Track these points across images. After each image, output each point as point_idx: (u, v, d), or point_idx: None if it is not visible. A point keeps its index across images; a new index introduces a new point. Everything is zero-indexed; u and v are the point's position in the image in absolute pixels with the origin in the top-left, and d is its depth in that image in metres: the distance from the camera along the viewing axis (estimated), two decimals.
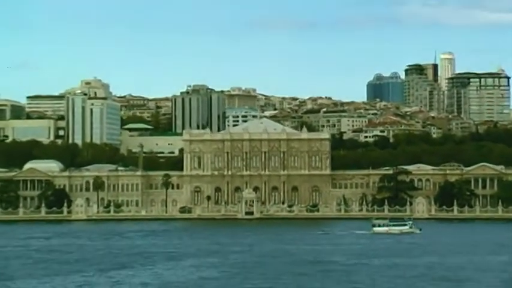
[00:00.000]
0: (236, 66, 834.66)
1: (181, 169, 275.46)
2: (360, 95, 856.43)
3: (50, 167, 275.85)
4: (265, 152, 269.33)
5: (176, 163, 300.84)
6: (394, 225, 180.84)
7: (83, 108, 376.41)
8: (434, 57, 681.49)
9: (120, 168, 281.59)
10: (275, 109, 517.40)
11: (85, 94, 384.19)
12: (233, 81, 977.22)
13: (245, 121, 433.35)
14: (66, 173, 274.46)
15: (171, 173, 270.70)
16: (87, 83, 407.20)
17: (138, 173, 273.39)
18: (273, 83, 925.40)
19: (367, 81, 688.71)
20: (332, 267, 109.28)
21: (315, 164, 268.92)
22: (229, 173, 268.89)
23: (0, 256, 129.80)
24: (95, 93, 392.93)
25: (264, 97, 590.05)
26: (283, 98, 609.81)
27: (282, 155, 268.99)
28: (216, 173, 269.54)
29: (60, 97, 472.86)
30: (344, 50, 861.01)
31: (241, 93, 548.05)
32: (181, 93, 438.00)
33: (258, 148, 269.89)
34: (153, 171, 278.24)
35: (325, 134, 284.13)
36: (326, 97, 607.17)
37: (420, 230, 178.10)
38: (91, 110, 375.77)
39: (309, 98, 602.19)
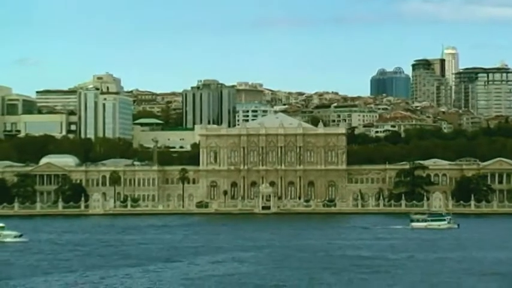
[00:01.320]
0: (241, 62, 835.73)
1: (194, 164, 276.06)
2: (363, 90, 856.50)
3: (66, 161, 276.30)
4: (281, 147, 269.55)
5: (189, 158, 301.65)
6: (432, 221, 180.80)
7: (96, 103, 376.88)
8: (440, 52, 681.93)
9: (136, 163, 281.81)
10: (284, 104, 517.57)
11: (97, 89, 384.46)
12: (239, 76, 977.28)
13: (255, 116, 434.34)
14: (83, 168, 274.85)
15: (187, 167, 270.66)
16: (99, 78, 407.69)
17: (155, 167, 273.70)
18: (278, 78, 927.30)
19: (370, 77, 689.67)
20: (377, 263, 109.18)
21: (331, 158, 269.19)
22: (246, 167, 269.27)
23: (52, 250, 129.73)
24: (107, 88, 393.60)
25: (270, 92, 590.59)
26: (290, 93, 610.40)
27: (298, 150, 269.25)
28: (232, 167, 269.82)
29: (70, 92, 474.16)
30: (347, 46, 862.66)
31: (248, 88, 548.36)
32: (192, 88, 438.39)
33: (274, 143, 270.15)
34: (169, 166, 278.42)
35: (342, 129, 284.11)
36: (332, 92, 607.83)
37: (458, 225, 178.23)
38: (103, 104, 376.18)
39: (316, 93, 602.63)
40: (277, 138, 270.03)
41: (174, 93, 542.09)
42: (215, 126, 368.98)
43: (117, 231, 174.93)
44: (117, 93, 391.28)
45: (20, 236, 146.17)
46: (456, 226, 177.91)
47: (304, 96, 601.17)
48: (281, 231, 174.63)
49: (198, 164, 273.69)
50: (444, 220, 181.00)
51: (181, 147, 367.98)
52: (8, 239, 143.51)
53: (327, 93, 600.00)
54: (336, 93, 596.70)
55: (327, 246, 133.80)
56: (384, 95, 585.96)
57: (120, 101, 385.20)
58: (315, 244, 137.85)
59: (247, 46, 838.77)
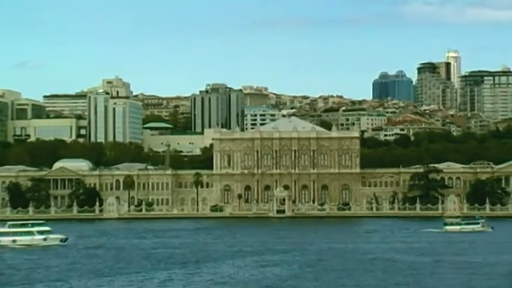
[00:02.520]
0: (244, 65, 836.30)
1: (206, 168, 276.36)
2: (365, 94, 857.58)
3: (79, 166, 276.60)
4: (295, 151, 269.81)
5: (201, 162, 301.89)
6: (466, 224, 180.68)
7: (106, 107, 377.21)
8: (443, 56, 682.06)
9: (149, 167, 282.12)
10: (292, 108, 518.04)
11: (107, 93, 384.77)
12: (241, 79, 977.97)
13: (263, 120, 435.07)
14: (97, 172, 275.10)
15: (201, 171, 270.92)
16: (109, 82, 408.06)
17: (168, 171, 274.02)
18: (279, 81, 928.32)
19: (372, 80, 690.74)
20: (415, 266, 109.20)
21: (344, 162, 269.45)
22: (259, 171, 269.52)
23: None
24: (117, 92, 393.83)
25: (275, 96, 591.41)
26: (294, 97, 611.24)
27: (311, 154, 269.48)
28: (246, 171, 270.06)
29: (78, 96, 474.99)
30: (348, 49, 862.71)
31: (253, 91, 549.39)
32: (201, 92, 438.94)
33: (287, 147, 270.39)
34: (183, 170, 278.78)
35: (355, 133, 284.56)
36: (337, 95, 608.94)
37: (492, 228, 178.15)
38: (114, 109, 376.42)
39: (320, 97, 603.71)
40: (291, 142, 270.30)
41: (179, 97, 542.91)
42: (224, 130, 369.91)
43: (139, 235, 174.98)
44: (127, 97, 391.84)
45: (66, 239, 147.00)
46: (490, 229, 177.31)
47: (308, 99, 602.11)
48: (302, 235, 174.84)
49: (210, 168, 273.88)
50: (478, 223, 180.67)
51: (189, 151, 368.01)
52: (54, 243, 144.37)
53: (332, 96, 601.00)
54: (341, 97, 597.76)
55: (358, 250, 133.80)
56: (389, 98, 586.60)
57: (130, 105, 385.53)
58: (344, 247, 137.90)
59: (249, 49, 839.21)
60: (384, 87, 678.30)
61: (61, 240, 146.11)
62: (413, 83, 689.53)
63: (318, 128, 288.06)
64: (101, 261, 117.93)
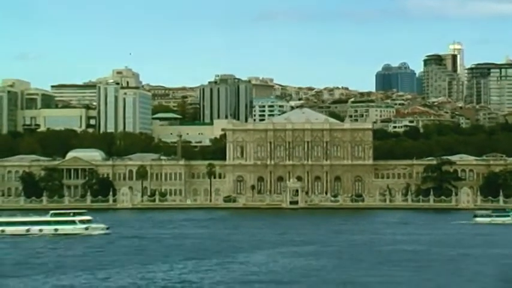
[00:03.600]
0: (248, 56, 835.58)
1: (216, 158, 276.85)
2: (368, 85, 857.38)
3: (92, 155, 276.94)
4: (308, 142, 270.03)
5: (213, 152, 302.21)
6: (497, 216, 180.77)
7: (116, 97, 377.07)
8: (445, 48, 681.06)
9: (162, 157, 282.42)
10: (299, 99, 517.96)
11: (117, 83, 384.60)
12: (246, 71, 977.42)
13: (271, 111, 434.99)
14: (110, 162, 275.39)
15: (214, 162, 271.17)
16: (119, 73, 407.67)
17: (181, 162, 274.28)
18: (284, 73, 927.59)
19: (375, 72, 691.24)
20: (448, 257, 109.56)
21: (357, 153, 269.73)
22: (272, 162, 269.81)
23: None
24: (127, 82, 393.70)
25: (280, 87, 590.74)
26: (300, 88, 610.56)
27: (324, 145, 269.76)
28: (258, 162, 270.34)
29: (85, 86, 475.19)
30: (351, 41, 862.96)
31: (259, 83, 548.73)
32: (210, 82, 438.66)
33: (300, 138, 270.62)
34: (196, 161, 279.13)
35: (368, 124, 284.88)
36: (342, 87, 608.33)
37: None
38: (124, 99, 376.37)
39: (325, 88, 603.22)
40: (304, 133, 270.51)
41: (184, 88, 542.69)
42: (235, 121, 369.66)
43: (158, 226, 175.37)
44: (137, 87, 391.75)
45: (107, 229, 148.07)
46: None
47: (314, 91, 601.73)
48: (320, 226, 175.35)
49: (221, 159, 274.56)
50: (509, 216, 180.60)
51: (197, 141, 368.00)
52: (96, 232, 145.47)
53: (338, 88, 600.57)
54: (346, 88, 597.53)
55: (385, 241, 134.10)
56: (394, 90, 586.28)
57: (139, 95, 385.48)
58: (369, 239, 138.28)
59: (254, 41, 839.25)
60: (387, 79, 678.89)
61: (102, 229, 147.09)
62: (417, 75, 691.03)
63: (331, 120, 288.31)
64: (138, 251, 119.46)
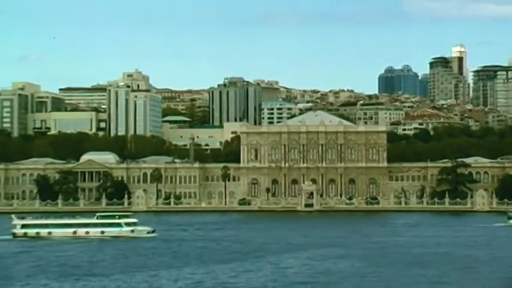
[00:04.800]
0: (252, 60, 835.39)
1: (229, 161, 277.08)
2: (370, 88, 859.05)
3: (106, 158, 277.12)
4: (322, 145, 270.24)
5: (225, 155, 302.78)
6: None
7: (127, 100, 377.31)
8: (448, 51, 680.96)
9: (176, 160, 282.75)
10: (308, 101, 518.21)
11: (128, 86, 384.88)
12: (249, 74, 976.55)
13: (280, 113, 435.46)
14: (124, 165, 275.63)
15: (228, 165, 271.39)
16: (129, 76, 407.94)
17: (196, 165, 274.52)
18: (288, 76, 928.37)
19: (377, 74, 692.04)
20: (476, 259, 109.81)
21: (371, 156, 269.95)
22: (286, 165, 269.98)
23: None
24: (138, 85, 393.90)
25: (285, 89, 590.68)
26: (305, 91, 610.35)
27: (339, 148, 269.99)
28: (273, 165, 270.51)
29: (94, 89, 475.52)
30: (353, 44, 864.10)
31: (264, 85, 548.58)
32: (219, 85, 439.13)
33: (315, 140, 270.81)
34: (210, 164, 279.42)
35: (382, 127, 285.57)
36: (347, 90, 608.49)
37: None
38: (134, 102, 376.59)
39: (330, 91, 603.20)
40: (318, 135, 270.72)
41: (190, 91, 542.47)
42: (247, 123, 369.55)
43: (180, 228, 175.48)
44: (147, 90, 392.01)
45: (153, 231, 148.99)
46: None
47: (319, 93, 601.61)
48: (341, 228, 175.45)
49: (233, 161, 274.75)
50: None
51: (206, 144, 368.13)
52: (142, 235, 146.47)
53: (343, 91, 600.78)
54: (352, 91, 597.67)
55: (411, 243, 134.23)
56: (400, 92, 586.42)
57: (150, 98, 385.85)
58: (394, 241, 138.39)
59: (258, 43, 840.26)
60: (390, 81, 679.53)
61: (148, 232, 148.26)
62: (419, 78, 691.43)
63: (345, 122, 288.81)
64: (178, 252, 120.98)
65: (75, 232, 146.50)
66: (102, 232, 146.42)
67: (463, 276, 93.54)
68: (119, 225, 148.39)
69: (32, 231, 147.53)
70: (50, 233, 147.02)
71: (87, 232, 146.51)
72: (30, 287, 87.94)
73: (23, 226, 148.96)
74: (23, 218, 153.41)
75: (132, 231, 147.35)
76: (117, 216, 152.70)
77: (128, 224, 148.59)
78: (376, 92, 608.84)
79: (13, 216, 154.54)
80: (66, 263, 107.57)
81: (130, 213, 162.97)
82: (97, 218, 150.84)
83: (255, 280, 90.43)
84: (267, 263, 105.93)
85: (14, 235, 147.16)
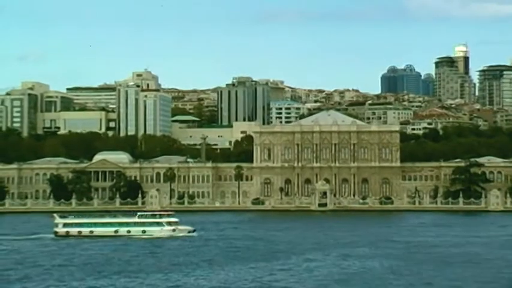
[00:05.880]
0: (255, 59, 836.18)
1: (240, 161, 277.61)
2: (373, 88, 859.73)
3: (119, 158, 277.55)
4: (335, 144, 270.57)
5: (235, 155, 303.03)
6: None
7: (136, 100, 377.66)
8: (451, 50, 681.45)
9: (189, 160, 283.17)
10: (315, 101, 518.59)
11: (138, 86, 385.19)
12: (255, 73, 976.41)
13: (288, 113, 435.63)
14: (137, 165, 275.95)
15: (241, 164, 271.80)
16: (139, 75, 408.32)
17: (209, 164, 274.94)
18: (292, 75, 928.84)
19: (380, 74, 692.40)
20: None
21: (385, 156, 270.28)
22: (300, 164, 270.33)
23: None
24: (147, 85, 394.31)
25: (290, 89, 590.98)
26: (310, 90, 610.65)
27: (352, 147, 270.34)
28: (286, 164, 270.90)
29: (101, 89, 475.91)
30: (355, 43, 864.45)
31: (269, 85, 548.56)
32: (227, 85, 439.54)
33: (328, 140, 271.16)
34: (223, 163, 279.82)
35: (395, 126, 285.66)
36: (353, 89, 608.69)
37: None
38: (144, 101, 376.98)
39: (335, 90, 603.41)
40: (331, 135, 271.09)
41: (195, 91, 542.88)
42: (253, 123, 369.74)
43: (201, 227, 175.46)
44: (157, 90, 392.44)
45: (194, 231, 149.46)
46: None
47: (324, 93, 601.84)
48: (359, 228, 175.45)
49: (244, 161, 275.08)
50: None
51: (215, 144, 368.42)
52: (183, 234, 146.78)
53: (348, 90, 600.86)
54: (357, 91, 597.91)
55: (436, 243, 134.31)
56: (405, 92, 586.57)
57: (160, 98, 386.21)
58: (421, 241, 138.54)
59: (261, 43, 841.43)
60: (393, 81, 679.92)
61: (189, 232, 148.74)
62: (422, 77, 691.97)
63: (359, 122, 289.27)
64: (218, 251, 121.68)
65: (116, 231, 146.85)
66: (144, 231, 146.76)
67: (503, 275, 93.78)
68: (160, 224, 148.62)
69: (73, 230, 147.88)
70: (91, 231, 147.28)
71: (129, 231, 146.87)
72: (84, 284, 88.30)
73: (65, 225, 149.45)
74: (64, 217, 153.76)
75: (174, 230, 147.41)
76: (158, 215, 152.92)
77: (169, 223, 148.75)
78: (379, 91, 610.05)
79: (55, 215, 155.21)
80: (119, 261, 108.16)
81: (172, 212, 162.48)
82: (138, 217, 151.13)
83: (293, 280, 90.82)
84: (301, 262, 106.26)
85: (56, 234, 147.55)
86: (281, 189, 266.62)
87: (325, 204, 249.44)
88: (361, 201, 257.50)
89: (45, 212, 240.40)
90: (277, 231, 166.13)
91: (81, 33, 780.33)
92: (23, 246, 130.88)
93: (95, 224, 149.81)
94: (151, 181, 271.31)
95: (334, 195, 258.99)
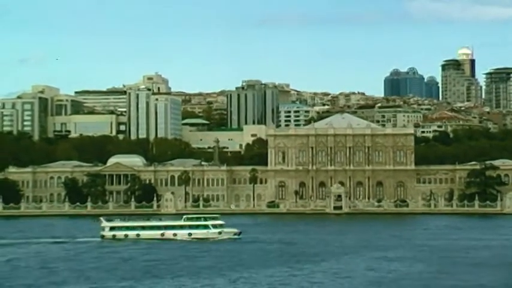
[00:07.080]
0: (260, 63, 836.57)
1: (253, 164, 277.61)
2: (376, 90, 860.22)
3: (134, 161, 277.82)
4: (349, 147, 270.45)
5: (243, 158, 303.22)
6: None
7: (147, 103, 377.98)
8: (454, 53, 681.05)
9: (203, 163, 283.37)
10: (323, 104, 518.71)
11: (149, 89, 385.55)
12: (261, 77, 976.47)
13: (297, 116, 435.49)
14: (152, 168, 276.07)
15: (256, 167, 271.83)
16: (149, 78, 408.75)
17: (224, 167, 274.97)
18: (297, 78, 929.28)
19: (383, 77, 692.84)
20: None
21: (399, 159, 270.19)
22: (314, 167, 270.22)
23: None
24: (158, 88, 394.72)
25: (296, 92, 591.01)
26: (315, 93, 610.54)
27: (366, 150, 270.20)
28: (300, 167, 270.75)
29: (110, 92, 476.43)
30: (358, 46, 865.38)
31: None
32: (237, 88, 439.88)
33: (342, 143, 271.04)
34: (238, 166, 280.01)
35: (410, 129, 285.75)
36: (359, 92, 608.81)
37: None
38: (155, 105, 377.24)
39: (341, 93, 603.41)
40: (346, 138, 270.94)
41: (201, 94, 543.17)
42: (263, 126, 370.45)
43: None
44: (168, 93, 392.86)
45: (239, 233, 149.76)
46: None
47: (330, 96, 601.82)
48: (381, 231, 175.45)
49: (257, 164, 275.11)
50: None
51: (225, 147, 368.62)
52: (228, 236, 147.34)
53: (354, 93, 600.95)
54: (363, 94, 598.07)
55: (462, 246, 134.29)
56: (410, 95, 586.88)
57: (171, 101, 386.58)
58: (449, 243, 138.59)
59: (266, 46, 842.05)
60: (396, 84, 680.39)
61: (235, 234, 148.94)
62: (425, 80, 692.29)
63: (373, 125, 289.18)
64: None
65: (162, 234, 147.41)
66: (190, 234, 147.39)
67: None
68: (206, 227, 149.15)
69: (120, 234, 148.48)
70: (138, 235, 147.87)
71: (175, 234, 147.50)
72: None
73: (112, 228, 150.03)
74: (111, 221, 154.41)
75: (220, 233, 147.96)
76: (203, 218, 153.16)
77: (215, 226, 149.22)
78: (383, 94, 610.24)
79: (101, 218, 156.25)
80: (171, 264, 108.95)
81: (217, 215, 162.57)
82: (184, 220, 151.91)
83: (337, 283, 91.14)
84: (335, 266, 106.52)
85: (103, 237, 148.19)
86: (296, 192, 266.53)
87: (340, 207, 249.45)
88: (376, 204, 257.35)
89: (60, 215, 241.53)
90: (296, 234, 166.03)
91: (89, 37, 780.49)
92: (76, 249, 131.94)
93: (142, 228, 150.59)
94: (166, 184, 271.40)
95: (349, 198, 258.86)
